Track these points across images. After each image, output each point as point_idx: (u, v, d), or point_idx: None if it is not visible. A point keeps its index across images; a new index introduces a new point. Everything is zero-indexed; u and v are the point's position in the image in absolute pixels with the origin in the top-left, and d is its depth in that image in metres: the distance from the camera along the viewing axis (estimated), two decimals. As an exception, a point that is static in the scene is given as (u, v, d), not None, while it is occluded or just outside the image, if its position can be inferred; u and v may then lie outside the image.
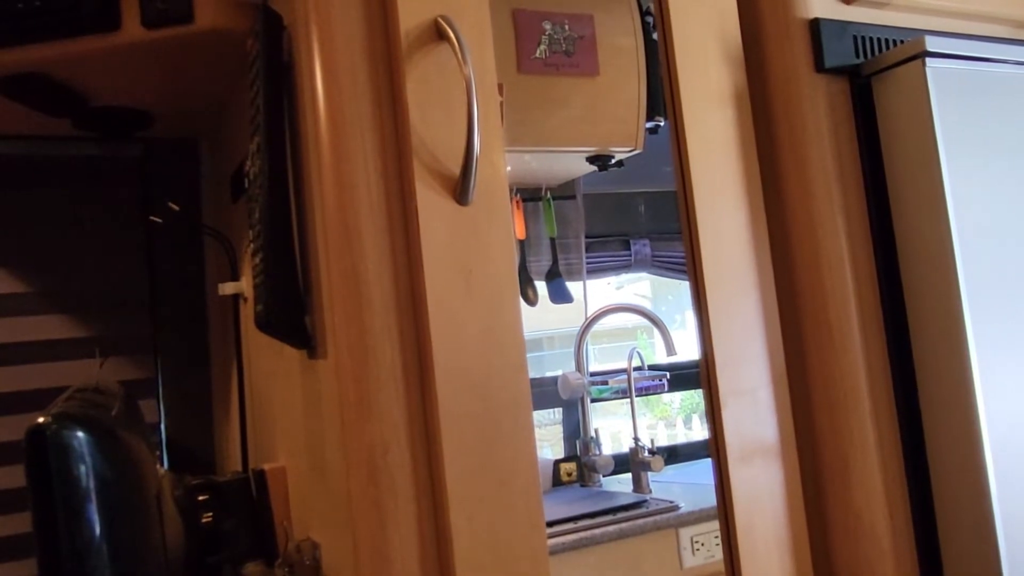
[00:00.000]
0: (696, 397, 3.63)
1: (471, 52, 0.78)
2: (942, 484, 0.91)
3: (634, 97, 1.94)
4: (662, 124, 1.96)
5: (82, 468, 0.66)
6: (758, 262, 0.93)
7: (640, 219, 2.95)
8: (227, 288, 1.23)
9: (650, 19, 1.91)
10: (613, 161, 2.07)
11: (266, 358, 1.15)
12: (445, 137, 0.80)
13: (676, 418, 3.62)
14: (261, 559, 1.04)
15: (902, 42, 0.97)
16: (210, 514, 1.01)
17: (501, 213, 0.82)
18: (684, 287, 3.57)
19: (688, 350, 2.63)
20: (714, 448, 0.90)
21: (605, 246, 2.86)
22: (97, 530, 0.66)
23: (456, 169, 0.80)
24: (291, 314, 0.87)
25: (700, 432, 3.54)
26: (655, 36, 1.89)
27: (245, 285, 1.23)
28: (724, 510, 0.89)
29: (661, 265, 3.07)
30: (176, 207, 1.28)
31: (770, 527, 0.90)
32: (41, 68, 1.09)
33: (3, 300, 1.37)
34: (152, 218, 1.25)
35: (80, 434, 0.67)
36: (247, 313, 1.25)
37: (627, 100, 1.93)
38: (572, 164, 2.14)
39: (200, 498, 1.00)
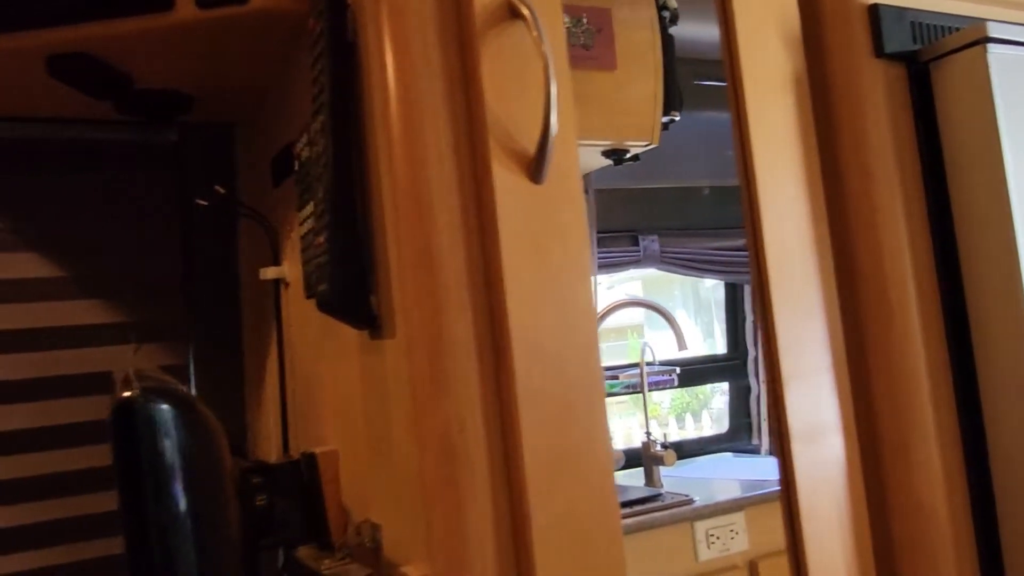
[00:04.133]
0: (686, 396, 3.65)
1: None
2: (1001, 466, 0.91)
3: (651, 91, 1.94)
4: (677, 119, 1.96)
5: (167, 443, 0.66)
6: (819, 246, 0.94)
7: (649, 215, 2.96)
8: (269, 273, 1.23)
9: (666, 13, 1.91)
10: (628, 156, 2.07)
11: (313, 342, 1.14)
12: (519, 115, 0.80)
13: (668, 417, 3.64)
14: (314, 543, 1.04)
15: (957, 29, 0.98)
16: (263, 497, 1.01)
17: (574, 192, 0.82)
18: (674, 287, 3.57)
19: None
20: (776, 431, 0.90)
21: (614, 241, 2.86)
22: (182, 505, 0.66)
23: (529, 147, 0.80)
24: (356, 294, 0.87)
25: (693, 430, 3.56)
26: (671, 31, 1.90)
27: (287, 270, 1.23)
28: (787, 492, 0.90)
29: (671, 261, 3.07)
30: (222, 190, 1.28)
31: (832, 508, 0.90)
32: (89, 48, 1.09)
33: (39, 284, 1.36)
34: (198, 201, 1.25)
35: (166, 407, 0.67)
36: (289, 298, 1.24)
37: (644, 94, 1.93)
38: (587, 158, 2.14)
39: (254, 481, 1.00)
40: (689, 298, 3.78)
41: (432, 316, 0.77)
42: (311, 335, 1.15)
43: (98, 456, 1.36)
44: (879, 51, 0.95)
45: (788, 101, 0.95)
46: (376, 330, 0.89)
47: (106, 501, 1.36)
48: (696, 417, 3.74)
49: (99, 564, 1.35)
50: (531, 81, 0.81)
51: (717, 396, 3.52)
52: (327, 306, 0.87)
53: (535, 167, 0.79)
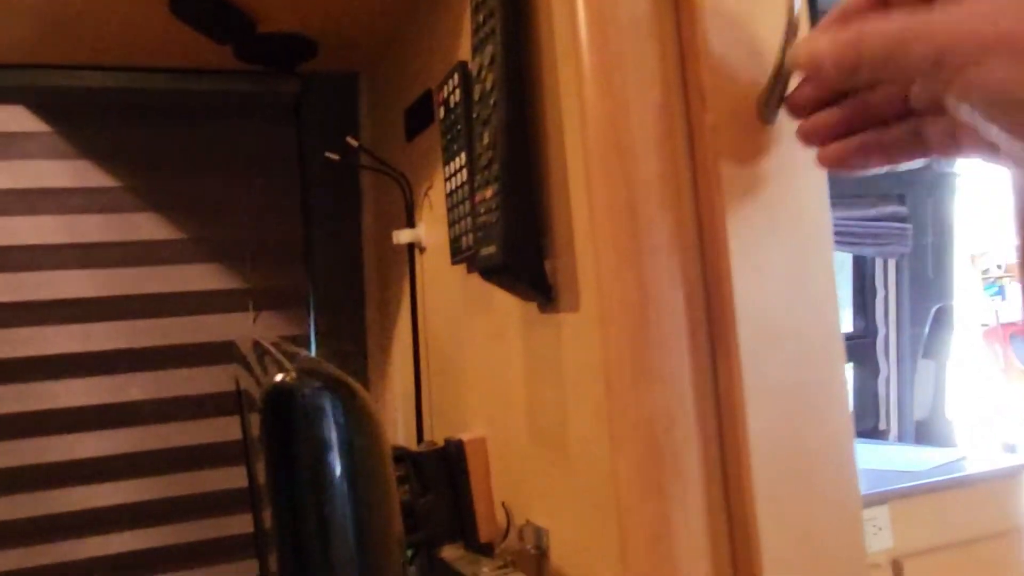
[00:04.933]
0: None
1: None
2: None
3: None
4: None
5: (328, 432, 0.54)
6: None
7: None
8: (403, 236, 1.10)
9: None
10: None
11: (453, 313, 1.02)
12: (744, 41, 0.64)
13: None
14: (459, 541, 0.92)
15: None
16: (405, 488, 0.89)
17: (811, 134, 0.66)
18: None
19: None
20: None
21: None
22: (345, 500, 0.54)
23: (757, 80, 0.64)
24: (531, 258, 0.73)
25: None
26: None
27: (423, 233, 1.10)
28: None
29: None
30: (355, 142, 1.16)
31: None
32: (214, -17, 0.98)
33: (156, 247, 1.27)
34: (328, 155, 1.13)
35: (325, 392, 0.55)
36: (424, 264, 1.12)
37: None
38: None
39: (397, 472, 0.88)
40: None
41: (635, 288, 0.63)
42: (451, 306, 1.03)
43: (217, 430, 1.28)
44: None
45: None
46: (550, 302, 0.75)
47: (224, 478, 1.28)
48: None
49: (219, 544, 1.28)
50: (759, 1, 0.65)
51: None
52: (497, 272, 0.74)
53: (766, 102, 0.63)
